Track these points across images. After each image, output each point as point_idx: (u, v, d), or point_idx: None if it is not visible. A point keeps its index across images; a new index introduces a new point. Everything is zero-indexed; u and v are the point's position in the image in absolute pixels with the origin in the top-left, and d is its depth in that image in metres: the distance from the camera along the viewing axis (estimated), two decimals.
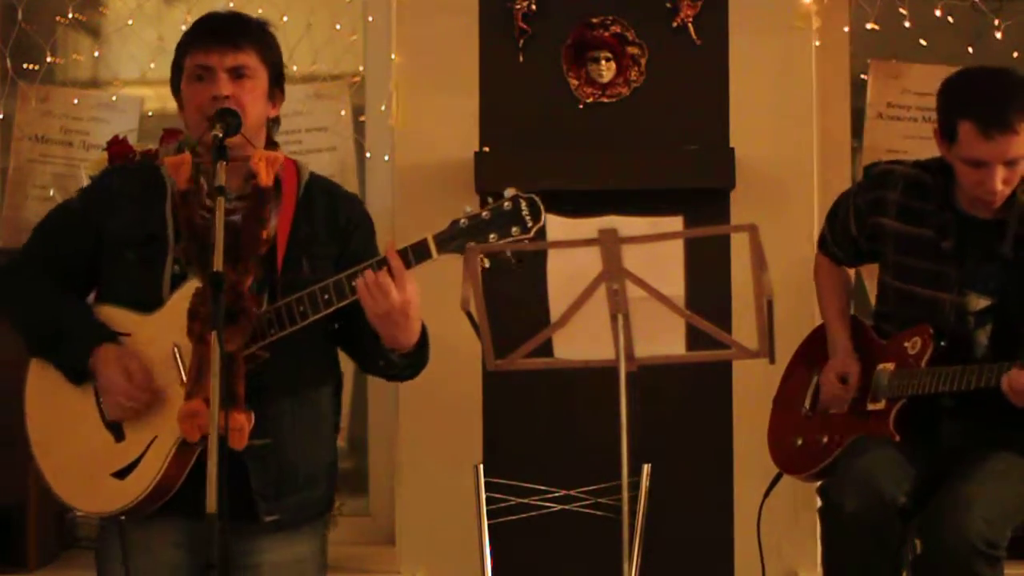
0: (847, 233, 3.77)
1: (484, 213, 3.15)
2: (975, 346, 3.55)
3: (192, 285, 3.18)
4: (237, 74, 3.26)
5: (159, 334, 3.21)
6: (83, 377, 3.25)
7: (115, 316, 3.27)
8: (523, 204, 3.14)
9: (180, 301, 3.19)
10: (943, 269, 3.57)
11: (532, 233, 3.14)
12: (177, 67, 3.34)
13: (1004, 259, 3.54)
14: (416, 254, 3.14)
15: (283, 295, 3.18)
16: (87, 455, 3.24)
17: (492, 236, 3.13)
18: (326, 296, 3.15)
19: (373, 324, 3.14)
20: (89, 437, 3.24)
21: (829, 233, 3.85)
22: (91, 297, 3.40)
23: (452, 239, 3.14)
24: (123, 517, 3.22)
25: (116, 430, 3.23)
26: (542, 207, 3.15)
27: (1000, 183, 3.45)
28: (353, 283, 3.13)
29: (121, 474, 3.19)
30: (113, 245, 3.29)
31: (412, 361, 3.28)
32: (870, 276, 4.15)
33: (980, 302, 3.56)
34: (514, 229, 3.13)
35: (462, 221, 3.15)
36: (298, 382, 3.28)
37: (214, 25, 3.35)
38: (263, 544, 3.25)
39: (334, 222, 3.35)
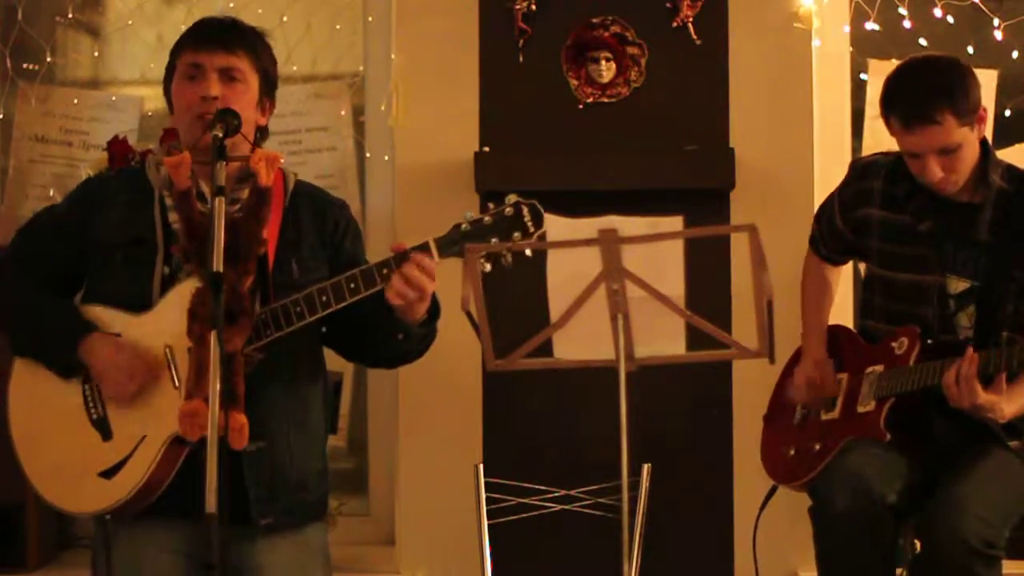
0: (832, 227, 3.77)
1: (486, 218, 3.17)
2: (958, 330, 3.55)
3: (185, 287, 3.17)
4: (228, 76, 3.26)
5: (149, 335, 3.21)
6: (72, 371, 3.24)
7: (103, 316, 3.26)
8: (525, 209, 3.17)
9: (171, 303, 3.19)
10: (924, 252, 3.57)
11: (534, 239, 3.16)
12: (170, 67, 3.35)
13: (980, 243, 3.54)
14: None
15: (274, 298, 3.19)
16: (73, 454, 3.23)
17: (493, 241, 3.15)
18: (324, 298, 3.16)
19: (394, 305, 3.16)
20: (75, 436, 3.23)
21: (817, 229, 3.86)
22: (76, 299, 3.38)
23: (453, 243, 3.16)
24: (108, 517, 3.21)
25: (103, 429, 3.22)
26: (543, 212, 3.16)
27: (938, 171, 3.47)
28: (351, 286, 3.14)
29: (108, 474, 3.18)
30: (99, 248, 3.29)
31: (428, 330, 3.30)
32: None
33: (960, 284, 3.56)
34: (516, 234, 3.15)
35: (464, 226, 3.17)
36: (289, 384, 3.28)
37: (210, 27, 3.36)
38: (260, 547, 3.25)
39: (322, 227, 3.36)
